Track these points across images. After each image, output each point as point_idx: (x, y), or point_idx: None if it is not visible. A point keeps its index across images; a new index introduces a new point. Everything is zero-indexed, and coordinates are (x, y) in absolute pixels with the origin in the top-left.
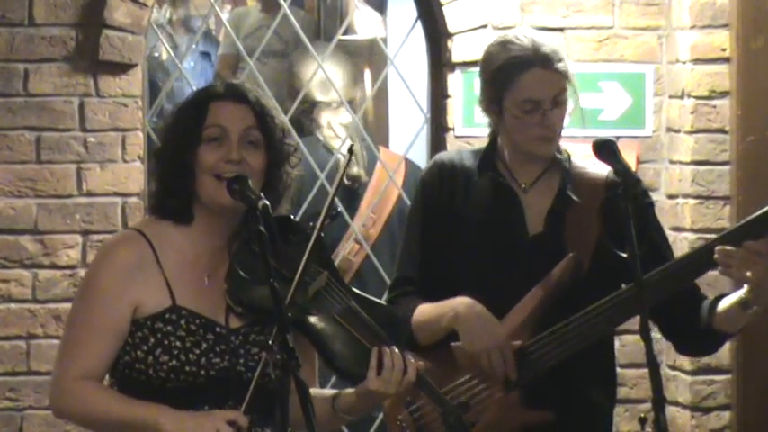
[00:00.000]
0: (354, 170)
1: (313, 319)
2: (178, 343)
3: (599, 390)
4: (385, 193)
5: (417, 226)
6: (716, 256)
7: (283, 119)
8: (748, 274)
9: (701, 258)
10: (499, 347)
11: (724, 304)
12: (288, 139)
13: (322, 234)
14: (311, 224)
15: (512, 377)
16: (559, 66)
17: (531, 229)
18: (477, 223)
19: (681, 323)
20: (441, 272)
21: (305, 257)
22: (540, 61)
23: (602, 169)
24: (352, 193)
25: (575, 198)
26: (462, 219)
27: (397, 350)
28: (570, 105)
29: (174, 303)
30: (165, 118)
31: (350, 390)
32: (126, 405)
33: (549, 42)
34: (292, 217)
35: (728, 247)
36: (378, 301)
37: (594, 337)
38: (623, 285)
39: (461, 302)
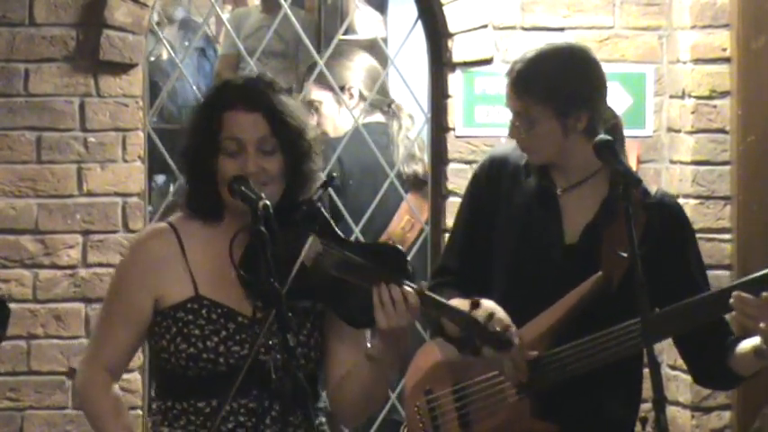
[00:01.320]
0: (416, 168)
1: (319, 287)
2: (197, 331)
3: (617, 406)
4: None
5: (463, 218)
6: (732, 300)
7: (299, 115)
8: (762, 325)
9: (718, 300)
10: (512, 356)
11: (741, 348)
12: (305, 137)
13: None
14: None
15: (522, 380)
16: (516, 83)
17: (568, 238)
18: (518, 224)
19: (703, 358)
20: (480, 267)
21: (295, 267)
22: (510, 72)
23: (650, 190)
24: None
25: (616, 215)
26: (504, 217)
27: (393, 283)
28: (550, 126)
29: (197, 293)
30: (187, 114)
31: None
32: (105, 423)
33: (544, 62)
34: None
35: (745, 295)
36: (368, 243)
37: (611, 359)
38: (657, 309)
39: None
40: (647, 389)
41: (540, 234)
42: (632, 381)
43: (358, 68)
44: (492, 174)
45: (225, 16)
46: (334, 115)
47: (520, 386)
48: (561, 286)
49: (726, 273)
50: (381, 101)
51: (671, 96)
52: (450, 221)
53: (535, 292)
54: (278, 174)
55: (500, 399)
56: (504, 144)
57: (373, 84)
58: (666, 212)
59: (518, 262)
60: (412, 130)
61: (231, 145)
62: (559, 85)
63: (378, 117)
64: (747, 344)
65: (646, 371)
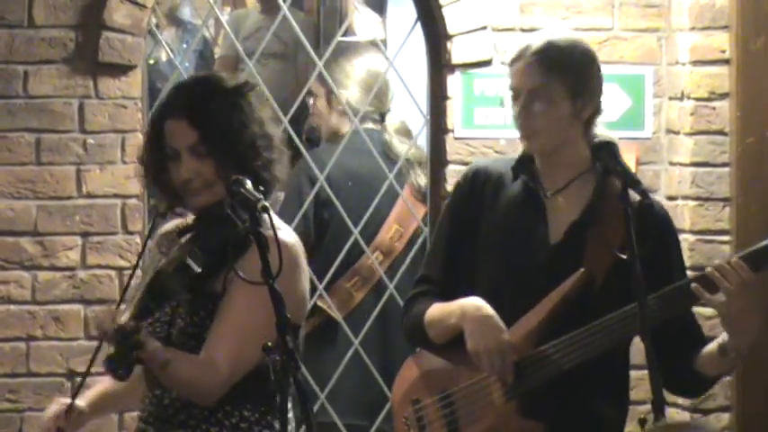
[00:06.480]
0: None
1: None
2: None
3: (605, 406)
4: (413, 209)
5: (445, 228)
6: (708, 269)
7: (235, 116)
8: (722, 299)
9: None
10: (500, 350)
11: (707, 348)
12: (241, 137)
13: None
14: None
15: (508, 379)
16: (540, 59)
17: (553, 237)
18: (502, 227)
19: (672, 362)
20: (464, 274)
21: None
22: (525, 54)
23: (635, 193)
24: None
25: (601, 213)
26: (489, 223)
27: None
28: (564, 107)
29: None
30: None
31: None
32: None
33: (560, 42)
34: None
35: (727, 266)
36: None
37: (594, 352)
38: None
39: (471, 303)
40: (646, 390)
41: (525, 235)
42: (619, 381)
43: (353, 73)
44: (476, 184)
45: (224, 18)
46: (325, 115)
47: (506, 388)
48: (546, 286)
49: None
50: (371, 112)
51: (670, 98)
52: None
53: (521, 292)
54: (214, 177)
55: (487, 402)
56: (485, 158)
57: (369, 90)
58: (656, 217)
59: (503, 263)
60: (393, 143)
61: (170, 152)
62: (579, 67)
63: (369, 124)
64: (713, 343)
65: (633, 373)
